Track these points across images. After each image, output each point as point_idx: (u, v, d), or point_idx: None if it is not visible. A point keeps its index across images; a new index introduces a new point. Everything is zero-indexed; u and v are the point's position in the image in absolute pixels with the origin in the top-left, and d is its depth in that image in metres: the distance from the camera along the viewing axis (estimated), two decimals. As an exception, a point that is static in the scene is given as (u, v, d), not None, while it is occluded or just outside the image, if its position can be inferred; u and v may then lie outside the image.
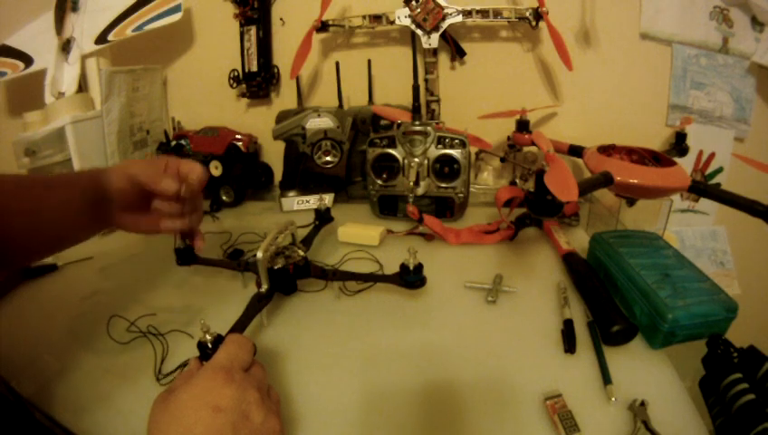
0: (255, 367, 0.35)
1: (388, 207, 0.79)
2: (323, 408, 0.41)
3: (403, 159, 0.74)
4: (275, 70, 0.97)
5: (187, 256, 0.60)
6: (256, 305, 0.49)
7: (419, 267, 0.49)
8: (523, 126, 0.82)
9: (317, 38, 0.92)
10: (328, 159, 0.84)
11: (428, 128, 0.72)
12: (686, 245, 0.94)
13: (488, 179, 0.96)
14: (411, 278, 0.50)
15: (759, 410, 0.35)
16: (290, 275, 0.55)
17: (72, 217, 0.45)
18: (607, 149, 0.65)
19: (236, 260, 0.63)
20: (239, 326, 0.45)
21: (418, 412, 0.40)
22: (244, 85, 0.96)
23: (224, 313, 0.50)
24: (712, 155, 0.90)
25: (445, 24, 0.82)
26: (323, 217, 0.69)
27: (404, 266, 0.50)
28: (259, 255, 0.49)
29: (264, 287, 0.51)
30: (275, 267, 0.53)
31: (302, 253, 0.56)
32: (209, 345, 0.37)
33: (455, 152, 0.72)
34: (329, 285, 0.58)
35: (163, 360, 0.47)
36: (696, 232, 0.95)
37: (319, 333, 0.51)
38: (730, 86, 0.86)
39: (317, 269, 0.57)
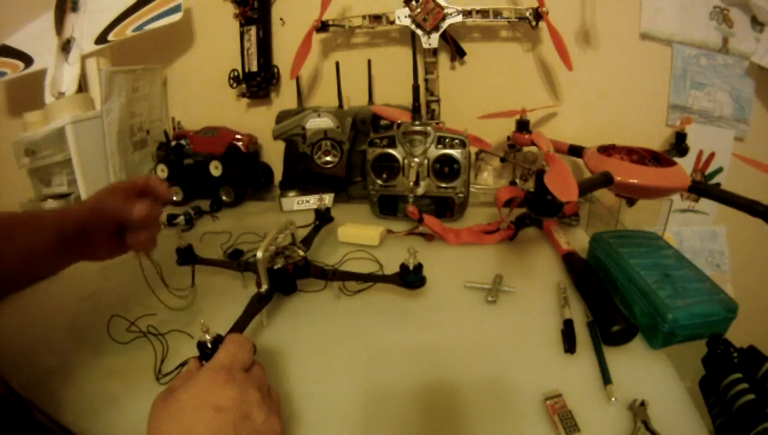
0: (256, 367, 0.35)
1: (388, 207, 0.79)
2: (323, 407, 0.41)
3: (403, 159, 0.74)
4: (275, 70, 0.97)
5: (187, 255, 0.60)
6: (256, 305, 0.49)
7: (419, 267, 0.49)
8: (523, 126, 0.82)
9: (317, 38, 0.92)
10: (328, 159, 0.84)
11: (428, 128, 0.72)
12: (684, 246, 0.94)
13: (488, 179, 0.96)
14: (411, 278, 0.50)
15: (759, 410, 0.35)
16: (290, 275, 0.55)
17: (38, 259, 0.43)
18: (607, 149, 0.65)
19: (236, 260, 0.63)
20: (239, 326, 0.45)
21: (418, 412, 0.40)
22: (244, 85, 0.96)
23: (224, 313, 0.50)
24: (712, 155, 0.90)
25: (445, 24, 0.82)
26: (323, 217, 0.69)
27: (404, 267, 0.50)
28: (259, 255, 0.49)
29: (264, 287, 0.51)
30: (275, 267, 0.53)
31: (301, 253, 0.56)
32: (209, 345, 0.37)
33: (455, 152, 0.72)
34: (329, 285, 0.58)
35: (163, 360, 0.47)
36: (695, 233, 0.95)
37: (319, 334, 0.51)
38: (730, 86, 0.86)
39: (317, 269, 0.57)
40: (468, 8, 0.80)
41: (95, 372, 0.46)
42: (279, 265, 0.53)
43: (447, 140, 0.72)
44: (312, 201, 0.86)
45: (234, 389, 0.30)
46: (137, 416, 0.31)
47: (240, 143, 0.91)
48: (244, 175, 0.92)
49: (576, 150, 0.73)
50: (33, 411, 0.41)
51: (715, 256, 0.95)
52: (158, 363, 0.46)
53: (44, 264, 0.44)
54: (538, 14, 0.79)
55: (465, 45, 0.89)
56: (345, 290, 0.58)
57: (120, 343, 0.50)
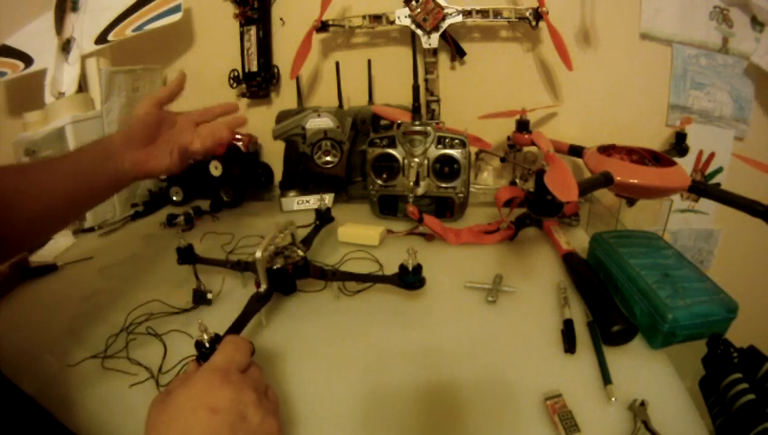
0: (253, 368, 0.35)
1: (388, 207, 0.79)
2: (323, 408, 0.41)
3: (403, 159, 0.74)
4: (275, 70, 0.97)
5: (187, 255, 0.60)
6: (255, 305, 0.49)
7: (418, 268, 0.49)
8: (523, 126, 0.82)
9: (317, 38, 0.92)
10: (328, 159, 0.84)
11: (428, 128, 0.72)
12: (677, 245, 0.94)
13: (488, 179, 0.96)
14: (410, 279, 0.50)
15: (759, 410, 0.35)
16: (289, 275, 0.55)
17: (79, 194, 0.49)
18: (607, 149, 0.65)
19: (232, 261, 0.62)
20: (237, 326, 0.45)
21: (418, 412, 0.40)
22: (244, 85, 0.96)
23: (223, 312, 0.50)
24: (712, 155, 0.90)
25: (445, 24, 0.82)
26: (324, 217, 0.69)
27: (403, 267, 0.50)
28: (258, 254, 0.49)
29: (263, 287, 0.50)
30: (274, 267, 0.53)
31: (301, 253, 0.56)
32: (207, 345, 0.37)
33: (455, 152, 0.72)
34: (328, 286, 0.58)
35: (163, 360, 0.47)
36: (691, 232, 0.95)
37: (318, 334, 0.51)
38: (729, 86, 0.86)
39: (316, 269, 0.57)
40: (468, 8, 0.80)
41: (95, 371, 0.46)
42: (278, 266, 0.53)
43: (447, 140, 0.72)
44: (311, 201, 0.86)
45: (230, 390, 0.30)
46: (136, 416, 0.31)
47: (240, 143, 0.91)
48: (244, 175, 0.92)
49: (576, 150, 0.73)
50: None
51: (702, 254, 0.96)
52: (158, 363, 0.46)
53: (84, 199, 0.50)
54: (538, 14, 0.79)
55: (465, 45, 0.89)
56: (345, 290, 0.57)
57: (120, 343, 0.50)
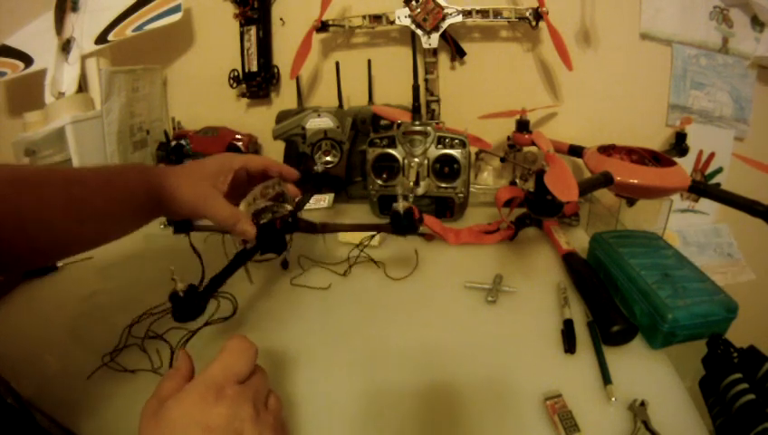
0: (254, 376, 0.33)
1: (388, 207, 0.79)
2: (321, 408, 0.41)
3: (403, 159, 0.74)
4: (275, 70, 0.97)
5: (182, 224, 0.58)
6: (240, 260, 0.47)
7: (410, 211, 0.48)
8: (523, 126, 0.82)
9: (317, 38, 0.92)
10: (328, 159, 0.84)
11: (428, 128, 0.72)
12: (688, 242, 0.93)
13: (488, 179, 0.96)
14: (404, 223, 0.49)
15: (759, 410, 0.35)
16: (277, 231, 0.51)
17: (119, 219, 0.46)
18: (607, 149, 0.65)
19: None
20: (218, 280, 0.44)
21: (418, 412, 0.40)
22: (244, 85, 0.96)
23: (223, 305, 0.50)
24: (712, 155, 0.90)
25: (445, 24, 0.82)
26: (319, 179, 0.63)
27: (395, 213, 0.48)
28: (241, 207, 0.47)
29: (249, 244, 0.48)
30: (261, 222, 0.49)
31: (289, 207, 0.52)
32: (181, 295, 0.35)
33: (455, 152, 0.72)
34: (331, 285, 0.58)
35: (163, 360, 0.47)
36: (698, 230, 0.95)
37: (316, 334, 0.51)
38: (730, 86, 0.86)
39: (305, 223, 0.53)
40: (468, 8, 0.80)
41: (95, 371, 0.46)
42: (265, 221, 0.50)
43: (447, 140, 0.72)
44: (311, 201, 0.86)
45: (225, 406, 0.29)
46: (136, 416, 0.31)
47: (240, 143, 0.91)
48: (244, 175, 0.92)
49: (576, 150, 0.73)
50: (34, 413, 0.41)
51: (723, 246, 0.94)
52: (158, 363, 0.46)
53: (121, 224, 0.47)
54: (538, 14, 0.79)
55: (465, 45, 0.89)
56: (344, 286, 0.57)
57: (120, 342, 0.50)
